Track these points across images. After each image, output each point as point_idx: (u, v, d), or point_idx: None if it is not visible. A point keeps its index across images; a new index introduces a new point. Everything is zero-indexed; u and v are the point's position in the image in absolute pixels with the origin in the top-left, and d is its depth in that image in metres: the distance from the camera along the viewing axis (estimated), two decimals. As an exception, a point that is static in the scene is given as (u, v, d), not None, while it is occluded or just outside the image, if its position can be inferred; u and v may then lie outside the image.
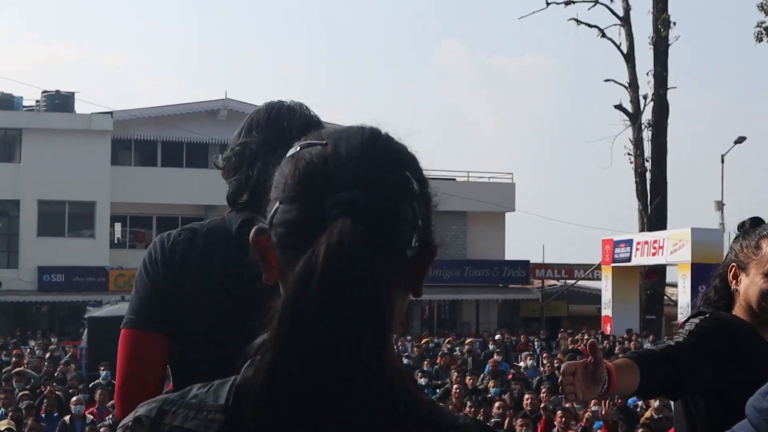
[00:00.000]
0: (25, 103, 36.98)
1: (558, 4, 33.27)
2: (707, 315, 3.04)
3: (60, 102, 36.38)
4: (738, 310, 3.05)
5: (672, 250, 26.45)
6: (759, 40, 30.97)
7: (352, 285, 1.07)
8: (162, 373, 2.48)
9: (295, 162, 1.18)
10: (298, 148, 1.21)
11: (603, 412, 11.44)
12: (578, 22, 33.27)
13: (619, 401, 13.14)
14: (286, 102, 2.60)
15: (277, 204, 1.18)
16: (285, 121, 2.49)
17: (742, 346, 2.93)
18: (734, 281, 3.05)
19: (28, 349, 25.16)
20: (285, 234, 1.17)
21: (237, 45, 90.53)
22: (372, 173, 1.14)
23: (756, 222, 3.01)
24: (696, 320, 3.02)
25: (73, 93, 36.85)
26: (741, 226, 3.05)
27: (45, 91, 36.52)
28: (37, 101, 36.89)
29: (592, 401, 14.05)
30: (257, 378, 1.09)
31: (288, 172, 1.18)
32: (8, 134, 36.22)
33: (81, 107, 37.69)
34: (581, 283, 37.36)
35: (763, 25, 30.66)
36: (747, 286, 3.01)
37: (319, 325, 1.05)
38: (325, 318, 1.05)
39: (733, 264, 3.02)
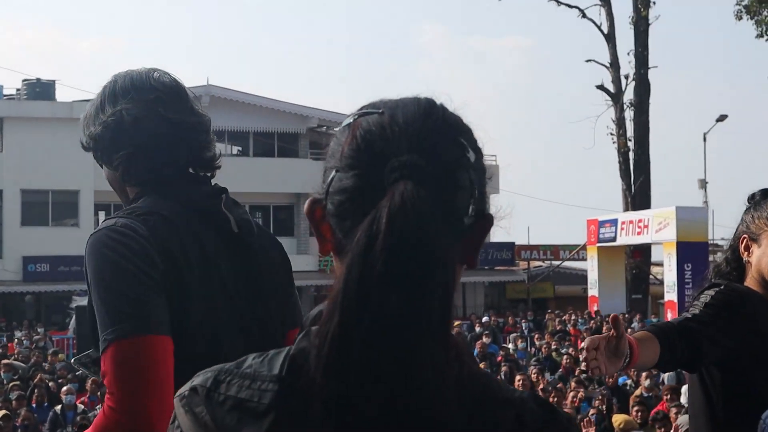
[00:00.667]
0: (5, 91, 36.79)
1: None
2: (722, 287, 3.03)
3: (41, 90, 36.36)
4: (750, 282, 3.06)
5: (657, 228, 26.63)
6: (738, 18, 31.18)
7: (417, 247, 1.07)
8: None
9: (352, 130, 1.17)
10: (355, 116, 1.20)
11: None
12: (558, 2, 33.42)
13: (610, 380, 13.33)
14: (135, 69, 2.45)
15: (334, 172, 1.17)
16: (152, 82, 2.35)
17: (757, 318, 2.95)
18: (746, 253, 3.04)
19: (16, 340, 25.16)
20: (343, 201, 1.16)
21: (218, 30, 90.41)
22: (430, 140, 1.14)
23: (766, 193, 3.01)
24: (711, 292, 3.02)
25: (53, 81, 36.79)
26: (751, 198, 3.06)
27: (26, 79, 36.51)
28: (18, 89, 36.85)
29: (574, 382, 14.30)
30: (322, 345, 1.08)
31: (345, 140, 1.17)
32: None
33: (62, 94, 37.28)
34: (567, 263, 37.62)
35: (743, 3, 30.87)
36: (759, 257, 3.03)
37: (386, 289, 1.05)
38: (392, 281, 1.05)
39: (745, 235, 3.02)
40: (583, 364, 2.73)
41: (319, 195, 1.22)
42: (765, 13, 31.26)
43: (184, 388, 1.23)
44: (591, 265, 29.87)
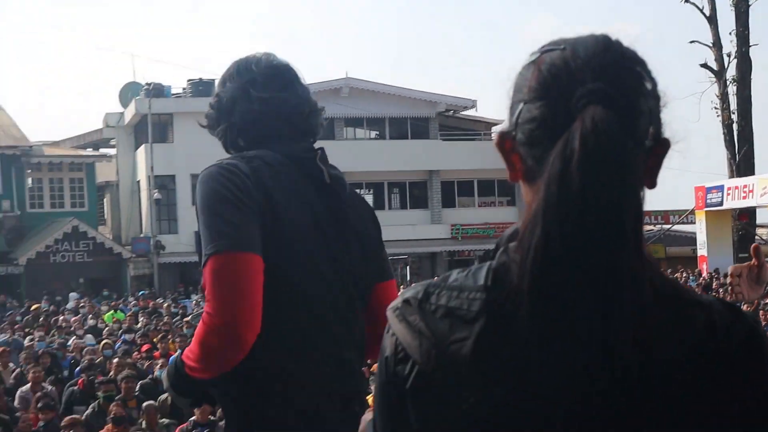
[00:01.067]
0: (173, 90, 39.13)
1: None
2: None
3: (203, 88, 37.36)
4: None
5: (761, 193, 26.51)
6: None
7: (610, 164, 1.13)
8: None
9: (537, 65, 1.26)
10: (537, 54, 1.28)
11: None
12: None
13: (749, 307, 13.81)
14: (251, 54, 2.64)
15: (521, 105, 1.26)
16: (253, 66, 2.53)
17: None
18: None
19: (194, 302, 27.22)
20: (533, 130, 1.25)
21: (355, 28, 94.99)
22: (611, 70, 1.21)
23: None
24: None
25: (213, 80, 36.95)
26: None
27: (190, 80, 38.96)
28: (184, 89, 39.06)
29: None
30: (526, 256, 1.17)
31: (530, 74, 1.26)
32: (161, 119, 38.03)
33: None
34: (676, 227, 37.85)
35: None
36: None
37: (584, 202, 1.12)
38: (590, 196, 1.12)
39: None
40: (729, 288, 2.84)
41: (508, 128, 1.31)
42: None
43: (396, 301, 1.34)
44: (699, 228, 29.96)
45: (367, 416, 2.17)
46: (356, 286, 2.48)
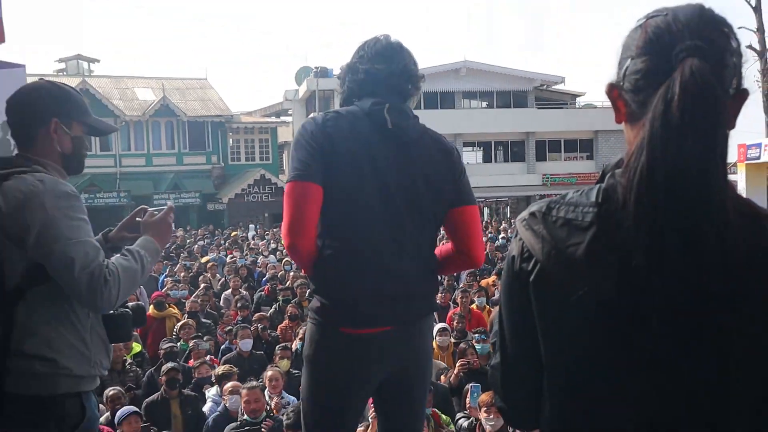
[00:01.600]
0: (335, 72, 37.38)
1: None
2: None
3: None
4: None
5: None
6: None
7: (706, 105, 1.24)
8: (317, 218, 2.69)
9: (644, 27, 1.38)
10: (643, 19, 1.40)
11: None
12: None
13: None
14: (374, 36, 2.92)
15: (629, 60, 1.40)
16: (366, 46, 2.90)
17: None
18: None
19: None
20: (638, 79, 1.37)
21: (471, 18, 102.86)
22: (705, 31, 1.33)
23: None
24: None
25: None
26: None
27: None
28: (341, 68, 42.38)
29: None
30: (632, 178, 1.29)
31: (638, 35, 1.39)
32: (325, 94, 41.47)
33: None
34: None
35: None
36: None
37: (684, 135, 1.24)
38: (689, 130, 1.23)
39: None
40: None
41: (616, 80, 1.44)
42: None
43: (524, 213, 1.49)
44: (740, 177, 28.31)
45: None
46: (420, 212, 2.76)
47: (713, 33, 1.36)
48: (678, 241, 1.27)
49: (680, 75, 1.28)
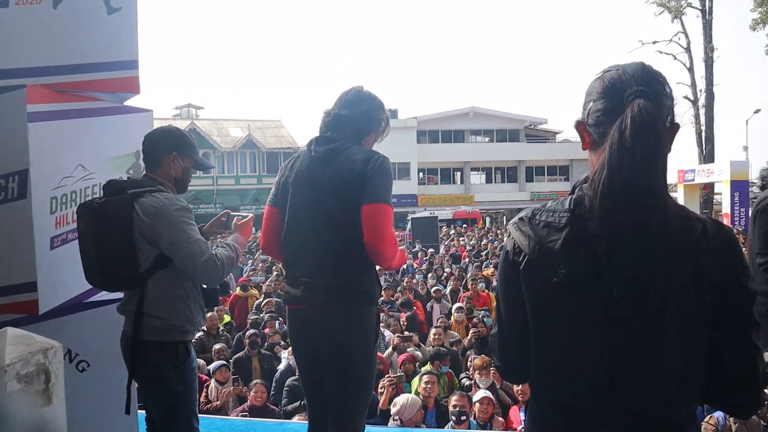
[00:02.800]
0: (399, 115, 41.46)
1: (646, 44, 34.19)
2: None
3: (391, 113, 32.31)
4: None
5: (719, 173, 27.06)
6: (753, 29, 31.34)
7: (651, 132, 1.25)
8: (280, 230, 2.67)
9: (602, 78, 1.39)
10: (601, 73, 1.41)
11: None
12: (660, 52, 34.95)
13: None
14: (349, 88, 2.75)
15: (591, 102, 1.40)
16: (339, 96, 2.73)
17: None
18: None
19: None
20: (599, 116, 1.37)
21: (481, 61, 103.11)
22: (647, 80, 1.34)
23: None
24: None
25: (396, 109, 43.68)
26: None
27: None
28: None
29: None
30: (597, 188, 1.29)
31: (597, 84, 1.40)
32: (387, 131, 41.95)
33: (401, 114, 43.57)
34: None
35: (754, 18, 30.89)
36: None
37: (634, 154, 1.25)
38: (637, 151, 1.24)
39: None
40: None
41: (581, 118, 1.44)
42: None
43: (515, 218, 1.49)
44: (679, 195, 29.00)
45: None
46: (327, 213, 2.56)
47: (652, 81, 1.38)
48: (631, 232, 1.28)
49: (630, 111, 1.30)
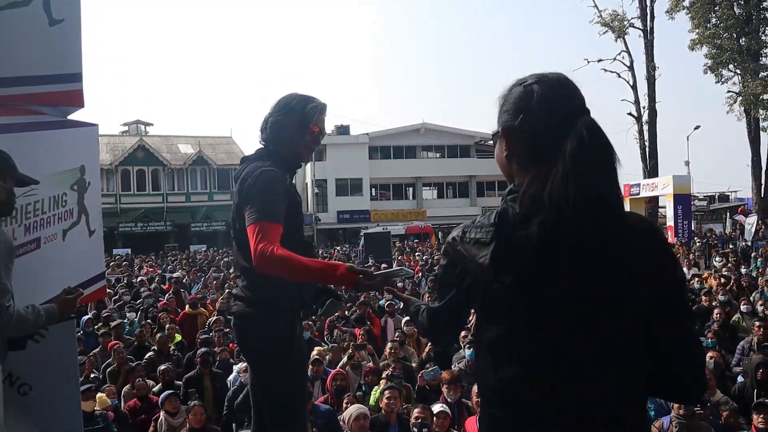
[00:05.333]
0: (327, 131, 42.54)
1: (591, 62, 35.28)
2: None
3: (343, 129, 44.24)
4: None
5: (662, 187, 27.73)
6: (692, 49, 32.79)
7: (603, 147, 1.31)
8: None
9: (534, 90, 1.41)
10: (530, 81, 1.43)
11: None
12: (605, 70, 37.60)
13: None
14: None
15: (522, 114, 1.40)
16: (285, 98, 2.72)
17: None
18: None
19: (334, 252, 28.72)
20: (535, 130, 1.39)
21: (432, 78, 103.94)
22: (578, 93, 1.42)
23: None
24: None
25: (348, 125, 44.95)
26: None
27: (336, 124, 44.13)
28: (332, 130, 43.21)
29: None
30: (558, 201, 1.30)
31: (527, 96, 1.42)
32: (319, 147, 36.00)
33: (354, 130, 45.13)
34: None
35: (708, 65, 32.51)
36: None
37: (594, 164, 1.29)
38: (593, 164, 1.29)
39: None
40: None
41: (511, 126, 1.46)
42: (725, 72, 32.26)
43: (449, 238, 1.51)
44: (626, 208, 31.67)
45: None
46: (237, 229, 2.61)
47: (578, 93, 1.44)
48: (576, 239, 1.31)
49: (583, 124, 1.33)
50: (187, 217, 40.69)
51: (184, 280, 16.43)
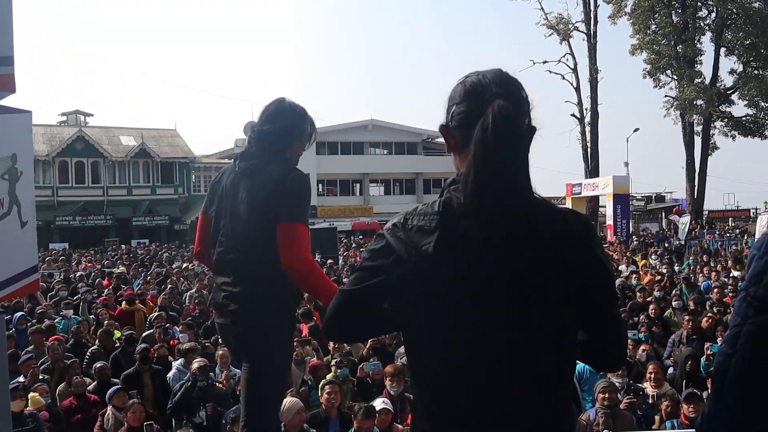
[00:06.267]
0: None
1: (537, 63, 35.48)
2: None
3: None
4: None
5: (603, 187, 28.13)
6: (632, 54, 33.63)
7: (512, 131, 1.32)
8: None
9: (463, 83, 1.45)
10: (462, 78, 1.45)
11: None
12: (550, 72, 36.54)
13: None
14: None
15: (454, 106, 1.44)
16: (263, 109, 2.77)
17: None
18: None
19: None
20: (461, 118, 1.41)
21: (380, 75, 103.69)
22: (506, 84, 1.41)
23: None
24: None
25: None
26: None
27: None
28: None
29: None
30: (466, 187, 1.33)
31: (460, 88, 1.45)
32: None
33: None
34: None
35: (647, 70, 33.64)
36: None
37: (495, 152, 1.30)
38: (499, 147, 1.30)
39: None
40: None
41: (445, 121, 1.48)
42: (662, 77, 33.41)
43: (389, 224, 1.47)
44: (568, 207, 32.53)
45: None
46: (244, 225, 2.66)
47: (510, 85, 1.44)
48: (500, 227, 1.32)
49: (491, 110, 1.34)
50: (129, 211, 39.84)
51: (125, 276, 16.19)
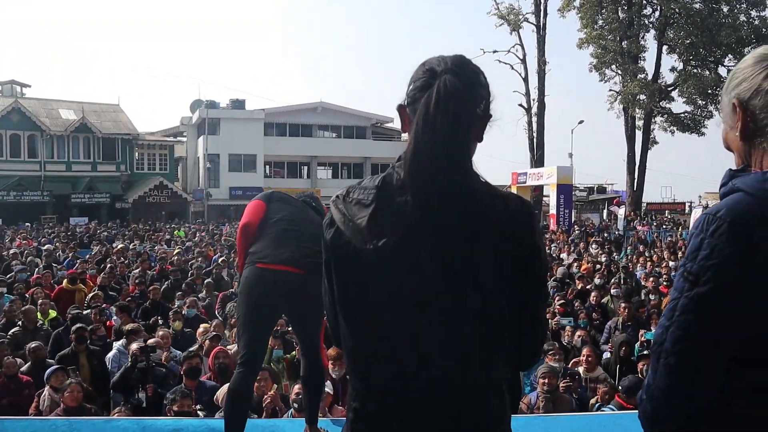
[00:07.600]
0: (221, 105, 42.88)
1: (487, 52, 35.69)
2: None
3: (238, 104, 43.14)
4: None
5: (547, 176, 28.91)
6: (579, 47, 34.18)
7: (457, 107, 1.29)
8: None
9: (423, 63, 1.45)
10: (424, 61, 1.44)
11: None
12: (500, 62, 36.85)
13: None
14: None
15: (412, 84, 1.44)
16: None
17: None
18: None
19: (225, 228, 28.68)
20: (414, 93, 1.41)
21: (332, 58, 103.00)
22: (462, 66, 1.41)
23: None
24: None
25: (244, 100, 44.03)
26: None
27: (231, 99, 43.45)
28: (227, 103, 43.31)
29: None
30: (407, 161, 1.34)
31: (418, 69, 1.46)
32: (213, 121, 40.95)
33: (249, 104, 43.99)
34: None
35: (593, 64, 34.09)
36: None
37: (436, 126, 1.29)
38: (440, 122, 1.30)
39: None
40: None
41: (404, 101, 1.46)
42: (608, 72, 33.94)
43: (333, 196, 1.49)
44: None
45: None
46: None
47: (466, 68, 1.43)
48: (438, 202, 1.31)
49: (437, 84, 1.34)
50: (67, 188, 38.58)
51: (57, 254, 15.75)
